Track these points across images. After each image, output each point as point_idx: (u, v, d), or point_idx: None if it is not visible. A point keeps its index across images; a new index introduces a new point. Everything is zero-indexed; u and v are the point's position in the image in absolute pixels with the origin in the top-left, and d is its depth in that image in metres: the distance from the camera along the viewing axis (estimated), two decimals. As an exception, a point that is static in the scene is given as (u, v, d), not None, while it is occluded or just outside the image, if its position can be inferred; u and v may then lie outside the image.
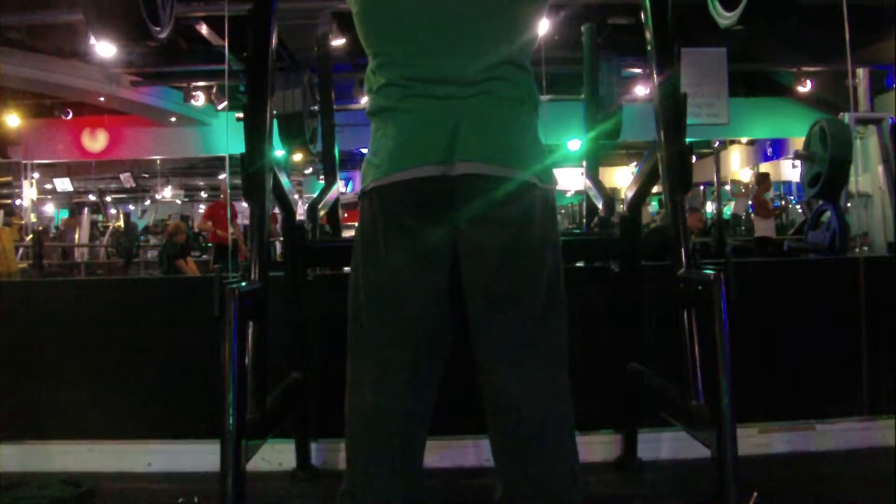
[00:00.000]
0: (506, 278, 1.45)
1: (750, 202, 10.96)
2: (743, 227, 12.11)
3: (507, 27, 1.49)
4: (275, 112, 2.07)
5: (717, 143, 13.03)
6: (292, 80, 3.13)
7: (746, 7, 1.87)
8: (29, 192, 12.68)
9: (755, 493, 1.89)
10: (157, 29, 1.89)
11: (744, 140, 14.09)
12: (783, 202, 12.87)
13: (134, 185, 16.21)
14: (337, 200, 3.22)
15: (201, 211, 21.80)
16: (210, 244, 11.09)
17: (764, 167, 13.29)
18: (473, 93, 1.45)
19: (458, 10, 1.45)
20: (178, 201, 20.79)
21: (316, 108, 3.38)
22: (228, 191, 7.45)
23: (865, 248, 6.24)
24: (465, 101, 1.45)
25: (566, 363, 1.50)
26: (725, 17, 2.01)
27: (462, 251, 1.46)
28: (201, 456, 2.44)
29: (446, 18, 1.45)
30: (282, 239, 2.45)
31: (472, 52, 1.46)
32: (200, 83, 9.68)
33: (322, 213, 2.93)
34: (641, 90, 8.98)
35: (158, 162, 15.79)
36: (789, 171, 12.68)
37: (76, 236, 13.32)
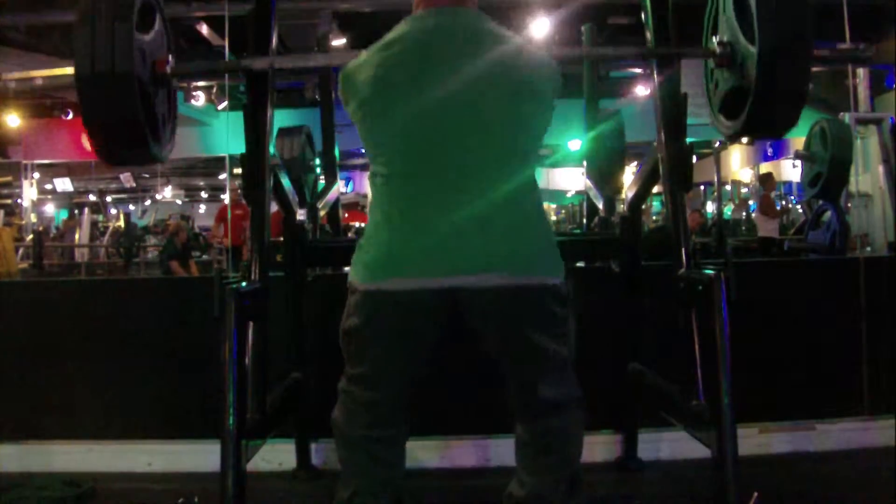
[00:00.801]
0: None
1: (751, 202, 10.94)
2: (744, 228, 12.10)
3: (512, 140, 1.48)
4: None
5: (717, 143, 13.01)
6: (293, 135, 3.12)
7: (747, 120, 1.85)
8: (29, 192, 12.67)
9: (755, 493, 1.89)
10: (159, 148, 1.90)
11: (744, 140, 14.07)
12: (784, 202, 12.86)
13: (134, 185, 16.20)
14: (337, 200, 3.23)
15: (201, 211, 21.81)
16: (210, 244, 11.10)
17: (764, 167, 13.27)
18: (477, 194, 1.43)
19: (462, 128, 1.44)
20: (179, 201, 20.79)
21: (314, 161, 3.36)
22: (228, 192, 7.43)
23: (868, 249, 6.24)
24: (469, 203, 1.42)
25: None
26: (727, 126, 2.00)
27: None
28: (201, 456, 2.44)
29: (450, 134, 1.44)
30: (282, 239, 2.44)
31: (476, 157, 1.45)
32: (201, 83, 9.68)
33: (322, 213, 2.93)
34: (642, 90, 9.00)
35: (158, 162, 15.77)
36: (789, 171, 12.66)
37: (76, 236, 13.32)
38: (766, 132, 1.98)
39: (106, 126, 1.76)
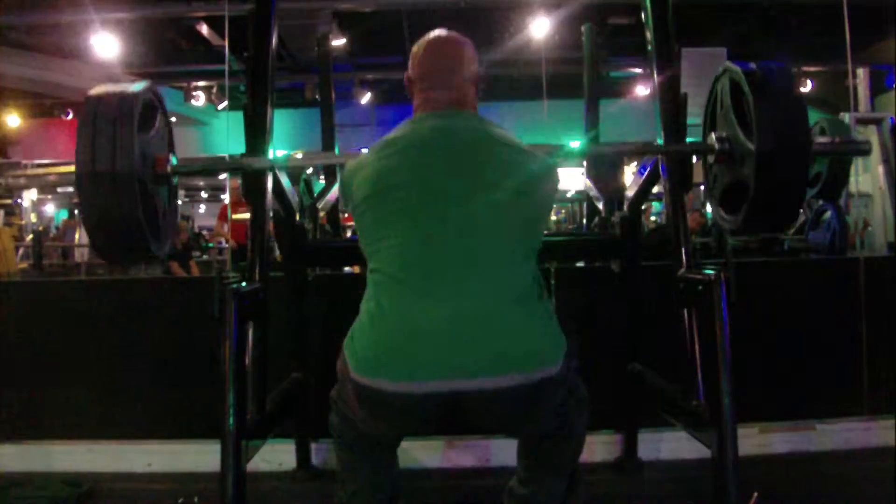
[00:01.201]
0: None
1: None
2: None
3: (511, 240, 1.46)
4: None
5: (718, 143, 13.01)
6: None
7: (747, 217, 1.84)
8: (29, 193, 12.67)
9: (755, 493, 1.89)
10: (159, 245, 1.90)
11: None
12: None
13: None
14: (337, 200, 3.22)
15: (201, 211, 21.81)
16: (211, 244, 11.10)
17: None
18: (476, 295, 1.38)
19: (461, 229, 1.42)
20: (179, 201, 20.77)
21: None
22: (228, 191, 7.43)
23: (870, 228, 6.22)
24: (468, 304, 1.37)
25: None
26: (727, 221, 1.99)
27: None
28: (201, 456, 2.44)
29: (449, 235, 1.42)
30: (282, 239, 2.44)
31: (475, 258, 1.41)
32: (200, 83, 9.69)
33: (322, 213, 2.92)
34: (641, 90, 9.00)
35: (158, 162, 15.78)
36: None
37: (76, 236, 13.31)
38: (766, 228, 1.98)
39: (106, 227, 1.76)
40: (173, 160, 1.90)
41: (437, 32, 1.64)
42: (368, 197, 1.47)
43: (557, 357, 1.42)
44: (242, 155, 2.06)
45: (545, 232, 1.55)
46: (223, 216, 7.66)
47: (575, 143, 3.63)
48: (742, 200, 1.85)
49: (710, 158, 1.98)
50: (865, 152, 2.15)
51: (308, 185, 3.27)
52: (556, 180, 1.56)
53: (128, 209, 1.71)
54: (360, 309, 1.47)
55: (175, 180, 2.00)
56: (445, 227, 1.41)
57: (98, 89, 1.78)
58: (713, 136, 1.91)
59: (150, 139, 1.83)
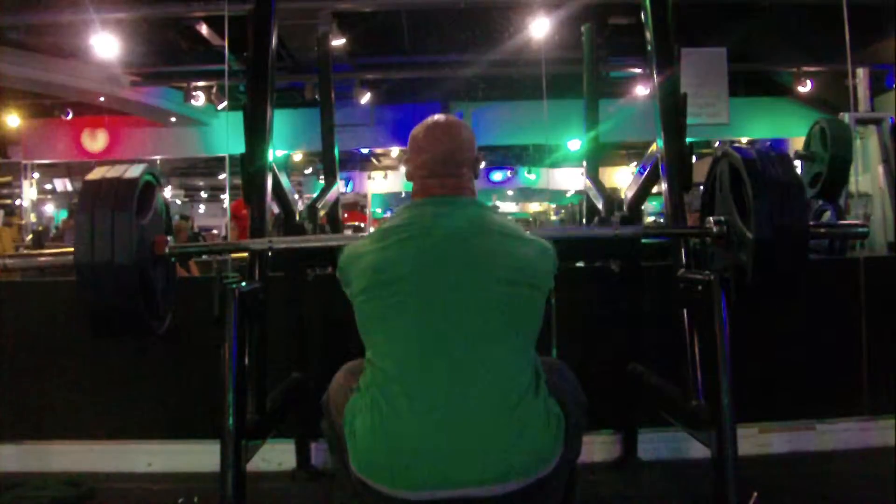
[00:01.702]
0: None
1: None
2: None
3: (510, 331, 1.44)
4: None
5: (717, 143, 13.03)
6: None
7: (742, 303, 1.82)
8: (29, 192, 12.66)
9: (755, 494, 1.89)
10: (159, 324, 1.91)
11: (744, 140, 14.10)
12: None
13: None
14: (337, 200, 3.22)
15: (201, 211, 21.81)
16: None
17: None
18: (476, 398, 1.36)
19: (460, 323, 1.41)
20: (178, 201, 20.78)
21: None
22: (228, 191, 7.42)
23: (870, 215, 6.20)
24: (468, 409, 1.36)
25: None
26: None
27: None
28: (201, 456, 2.44)
29: (447, 329, 1.40)
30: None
31: (474, 353, 1.39)
32: (200, 83, 9.67)
33: (322, 213, 2.92)
34: (641, 90, 9.00)
35: (158, 162, 15.78)
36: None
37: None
38: (766, 309, 1.97)
39: (105, 315, 1.76)
40: (171, 241, 1.90)
41: (436, 118, 1.65)
42: (366, 289, 1.47)
43: (557, 453, 1.43)
44: (237, 240, 2.05)
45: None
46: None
47: (574, 144, 3.63)
48: (740, 280, 1.84)
49: (709, 240, 1.99)
50: (863, 235, 2.17)
51: None
52: (554, 265, 1.56)
53: (127, 299, 1.72)
54: (362, 395, 1.44)
55: (172, 260, 2.00)
56: (443, 327, 1.40)
57: (96, 173, 1.77)
58: (711, 220, 1.92)
59: (148, 222, 1.82)
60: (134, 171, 1.77)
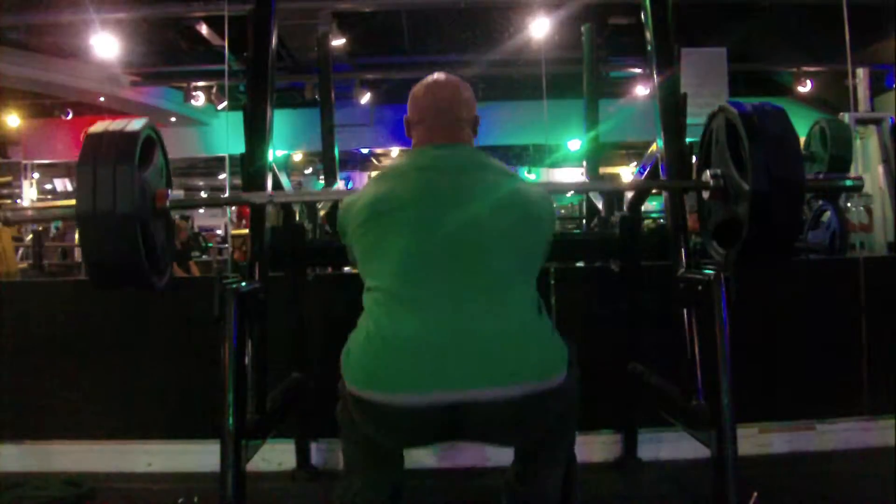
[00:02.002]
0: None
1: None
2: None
3: (510, 261, 1.44)
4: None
5: (717, 143, 13.02)
6: None
7: (742, 253, 1.84)
8: (29, 192, 12.66)
9: (755, 494, 1.89)
10: (159, 278, 1.90)
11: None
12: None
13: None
14: (337, 200, 3.23)
15: (201, 211, 21.80)
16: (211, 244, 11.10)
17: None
18: (475, 309, 1.37)
19: (460, 248, 1.42)
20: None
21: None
22: (228, 191, 7.42)
23: (870, 233, 6.19)
24: (467, 317, 1.36)
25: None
26: (721, 255, 2.00)
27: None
28: (201, 456, 2.44)
29: (447, 254, 1.41)
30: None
31: (474, 276, 1.40)
32: (200, 83, 9.67)
33: (322, 213, 2.93)
34: (641, 90, 9.00)
35: (158, 162, 15.79)
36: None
37: (76, 236, 13.30)
38: (760, 265, 1.98)
39: (106, 266, 1.76)
40: (172, 195, 1.90)
41: (436, 76, 1.65)
42: (365, 221, 1.47)
43: (562, 367, 1.42)
44: (239, 189, 2.07)
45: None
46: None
47: (574, 144, 3.64)
48: (735, 236, 1.86)
49: (705, 194, 1.99)
50: (858, 188, 2.17)
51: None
52: (553, 214, 1.58)
53: (129, 250, 1.71)
54: (357, 325, 1.45)
55: (172, 214, 1.99)
56: (444, 242, 1.41)
57: (98, 127, 1.77)
58: (708, 172, 1.92)
59: (149, 175, 1.82)
60: (135, 125, 1.77)
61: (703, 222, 2.07)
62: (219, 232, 15.25)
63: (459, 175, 1.49)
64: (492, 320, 1.36)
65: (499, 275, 1.40)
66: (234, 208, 7.89)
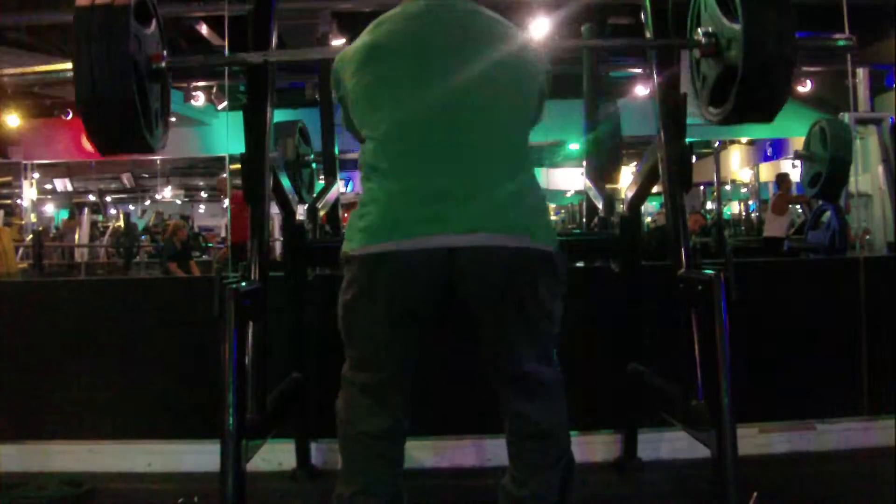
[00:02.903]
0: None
1: (751, 202, 10.93)
2: (743, 228, 12.11)
3: (507, 114, 1.49)
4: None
5: (717, 143, 13.02)
6: (283, 130, 3.13)
7: (736, 102, 1.86)
8: (29, 193, 12.66)
9: (755, 494, 1.89)
10: (153, 139, 1.92)
11: (744, 140, 14.09)
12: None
13: (134, 185, 16.19)
14: (337, 200, 3.22)
15: (201, 211, 21.81)
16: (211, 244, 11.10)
17: (764, 167, 13.28)
18: (474, 161, 1.44)
19: (456, 95, 1.46)
20: (178, 201, 20.77)
21: (310, 156, 3.39)
22: (228, 190, 7.42)
23: (868, 237, 6.21)
24: (466, 169, 1.43)
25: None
26: (715, 114, 2.01)
27: (470, 308, 1.50)
28: (201, 456, 2.44)
29: (444, 100, 1.46)
30: (282, 239, 2.44)
31: (472, 126, 1.46)
32: (200, 83, 9.67)
33: (322, 213, 2.92)
34: (641, 90, 9.00)
35: (158, 162, 15.79)
36: (789, 170, 12.67)
37: (76, 236, 13.31)
38: (756, 113, 1.97)
39: (100, 109, 1.76)
40: (167, 56, 1.91)
41: None
42: (360, 68, 1.50)
43: (554, 244, 1.49)
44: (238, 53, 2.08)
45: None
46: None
47: (574, 144, 3.64)
48: (731, 91, 1.88)
49: (697, 54, 2.02)
50: (850, 49, 2.19)
51: (303, 133, 3.31)
52: (548, 68, 1.61)
53: (122, 90, 1.71)
54: (364, 188, 1.51)
55: (169, 79, 2.01)
56: (440, 91, 1.45)
57: None
58: (700, 31, 1.95)
59: (146, 35, 1.84)
60: None
61: (696, 92, 2.09)
62: (220, 233, 15.27)
63: (453, 22, 1.52)
64: (487, 166, 1.44)
65: (496, 120, 1.47)
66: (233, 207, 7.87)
